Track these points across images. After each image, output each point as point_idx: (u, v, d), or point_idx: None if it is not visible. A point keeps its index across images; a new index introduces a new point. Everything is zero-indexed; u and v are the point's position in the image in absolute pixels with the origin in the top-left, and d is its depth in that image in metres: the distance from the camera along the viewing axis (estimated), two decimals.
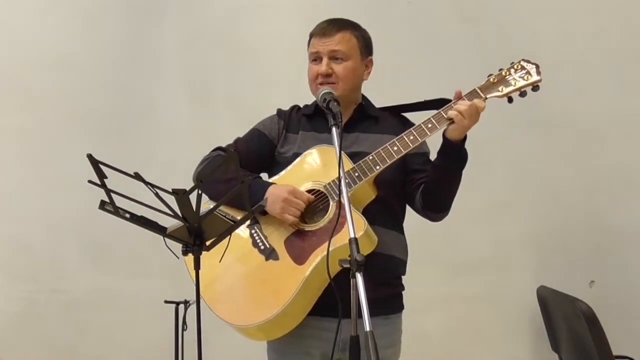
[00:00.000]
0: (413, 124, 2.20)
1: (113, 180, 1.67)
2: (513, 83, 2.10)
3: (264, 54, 3.42)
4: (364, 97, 2.30)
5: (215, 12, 3.48)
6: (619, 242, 3.36)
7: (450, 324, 3.38)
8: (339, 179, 1.87)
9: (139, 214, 1.76)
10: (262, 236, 2.09)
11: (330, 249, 1.89)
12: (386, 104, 2.30)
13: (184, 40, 3.47)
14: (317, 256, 2.00)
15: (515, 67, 2.13)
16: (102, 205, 1.71)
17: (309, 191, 2.10)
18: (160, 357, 3.00)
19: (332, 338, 2.09)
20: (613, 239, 3.37)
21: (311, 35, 2.24)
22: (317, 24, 2.24)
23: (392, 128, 2.21)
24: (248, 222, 2.07)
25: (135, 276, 3.37)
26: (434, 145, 2.13)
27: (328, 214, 2.06)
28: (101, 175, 1.67)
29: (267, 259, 2.06)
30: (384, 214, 2.14)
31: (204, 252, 1.82)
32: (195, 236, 1.80)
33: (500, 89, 2.10)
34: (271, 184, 2.13)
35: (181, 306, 2.89)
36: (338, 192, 2.03)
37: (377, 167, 2.06)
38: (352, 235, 1.74)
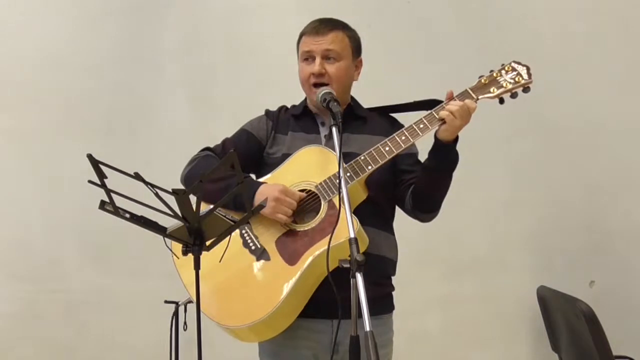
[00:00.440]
0: (401, 125, 2.20)
1: (113, 180, 1.67)
2: (504, 84, 2.11)
3: (264, 54, 3.42)
4: (352, 97, 2.29)
5: (215, 12, 3.48)
6: (619, 242, 3.36)
7: (450, 324, 3.38)
8: (339, 178, 1.87)
9: (139, 214, 1.75)
10: (252, 236, 2.08)
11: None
12: (386, 104, 2.30)
13: (184, 40, 3.48)
14: (309, 256, 1.99)
15: (506, 68, 2.13)
16: (102, 205, 1.71)
17: (300, 191, 2.09)
18: (159, 357, 3.00)
19: (323, 339, 2.10)
20: (613, 239, 3.37)
21: (302, 34, 2.22)
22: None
23: (381, 128, 2.21)
24: None
25: (135, 276, 3.37)
26: (425, 146, 2.13)
27: (319, 214, 2.05)
28: (101, 175, 1.66)
29: (258, 259, 2.05)
30: (374, 214, 2.13)
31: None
32: (195, 236, 1.79)
33: (491, 90, 2.10)
34: (262, 183, 2.11)
35: (181, 306, 2.90)
36: (336, 192, 2.03)
37: (369, 167, 2.06)
38: (352, 236, 1.74)
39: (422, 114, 2.09)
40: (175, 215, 1.74)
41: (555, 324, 3.06)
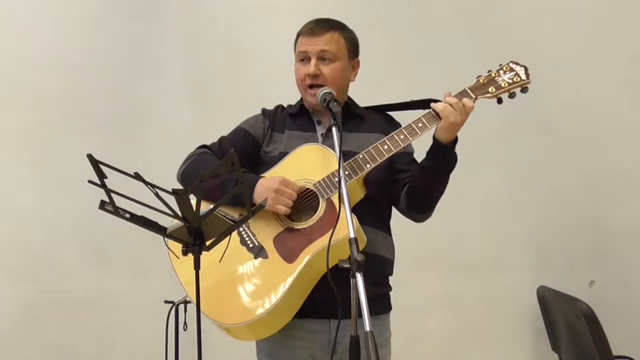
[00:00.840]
0: (398, 123, 2.20)
1: (113, 180, 1.67)
2: (502, 84, 2.11)
3: (264, 54, 3.42)
4: (348, 97, 2.28)
5: (215, 12, 3.48)
6: (619, 242, 3.36)
7: (450, 324, 3.38)
8: (339, 178, 1.87)
9: (139, 214, 1.75)
10: (250, 234, 2.08)
11: (326, 245, 1.88)
12: (386, 103, 2.30)
13: (184, 40, 3.48)
14: (306, 254, 1.99)
15: (504, 68, 2.13)
16: (102, 205, 1.71)
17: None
18: (159, 357, 3.00)
19: (320, 339, 2.10)
20: (613, 239, 3.37)
21: (299, 34, 2.22)
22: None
23: (378, 127, 2.21)
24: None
25: (135, 276, 3.37)
26: (423, 145, 2.13)
27: (318, 212, 2.05)
28: (101, 175, 1.66)
29: (255, 257, 2.05)
30: (371, 213, 2.13)
31: None
32: (195, 236, 1.79)
33: (489, 89, 2.11)
34: (260, 177, 2.10)
35: (180, 306, 2.91)
36: (334, 190, 2.03)
37: (368, 166, 2.06)
38: (352, 236, 1.74)
39: (420, 113, 2.09)
40: (175, 215, 1.74)
41: (555, 324, 3.06)
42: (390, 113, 2.30)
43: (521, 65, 2.13)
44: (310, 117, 2.25)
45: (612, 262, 3.36)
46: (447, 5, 3.45)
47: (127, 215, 1.73)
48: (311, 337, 2.10)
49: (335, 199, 2.00)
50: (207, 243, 1.82)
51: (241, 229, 2.09)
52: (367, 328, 1.60)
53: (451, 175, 2.10)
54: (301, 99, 2.28)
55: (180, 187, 2.13)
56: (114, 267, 3.40)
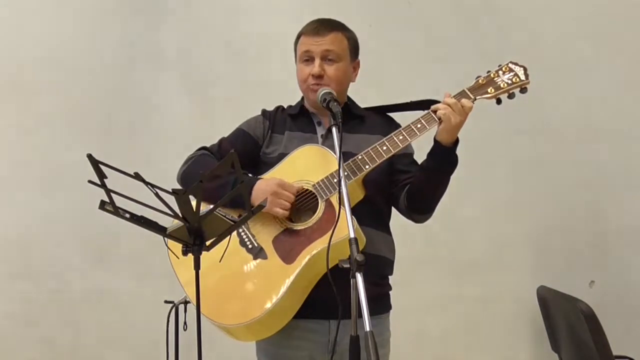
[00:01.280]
0: (398, 124, 2.20)
1: (113, 180, 1.67)
2: (501, 85, 2.11)
3: (264, 54, 3.42)
4: (348, 97, 2.28)
5: (215, 12, 3.48)
6: (619, 242, 3.37)
7: (450, 324, 3.38)
8: (338, 178, 1.87)
9: (139, 214, 1.75)
10: (249, 235, 2.08)
11: (326, 246, 1.88)
12: (385, 104, 2.30)
13: (184, 40, 3.48)
14: (306, 255, 1.99)
15: (503, 69, 2.13)
16: (102, 205, 1.71)
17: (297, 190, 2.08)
18: (159, 357, 3.00)
19: (319, 340, 2.10)
20: (613, 239, 3.37)
21: (300, 34, 2.21)
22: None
23: (378, 128, 2.21)
24: None
25: (135, 276, 3.37)
26: (428, 147, 2.13)
27: (317, 213, 2.05)
28: (101, 175, 1.66)
29: (255, 257, 2.05)
30: (371, 214, 2.13)
31: None
32: (195, 236, 1.79)
33: (488, 90, 2.10)
34: (258, 178, 2.10)
35: (180, 306, 2.91)
36: (333, 191, 2.02)
37: (367, 167, 2.05)
38: (352, 236, 1.74)
39: (419, 113, 2.09)
40: (175, 215, 1.74)
41: (555, 324, 3.06)
42: (390, 114, 2.30)
43: (520, 66, 2.13)
44: (310, 118, 2.25)
45: (612, 262, 3.36)
46: (447, 5, 3.45)
47: (127, 215, 1.73)
48: (311, 338, 2.10)
49: (334, 199, 2.00)
50: (207, 243, 1.82)
51: (241, 230, 2.09)
52: (367, 328, 1.60)
53: (451, 176, 2.10)
54: (301, 99, 2.28)
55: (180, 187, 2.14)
56: (114, 267, 3.40)
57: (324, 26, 2.17)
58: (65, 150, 3.38)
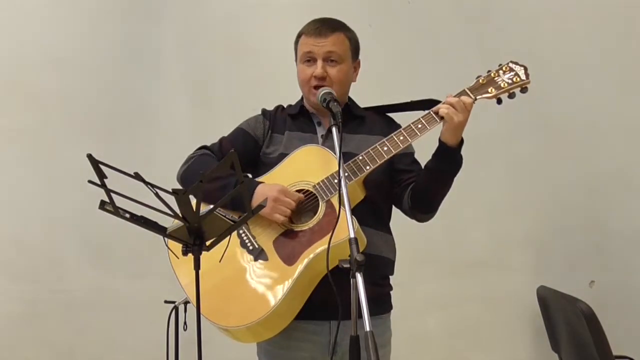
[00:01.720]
0: (399, 125, 2.19)
1: (113, 180, 1.67)
2: (502, 85, 2.10)
3: (264, 54, 3.42)
4: (349, 97, 2.28)
5: (215, 12, 3.48)
6: (619, 242, 3.36)
7: (450, 324, 3.38)
8: (339, 178, 1.87)
9: (139, 214, 1.75)
10: (250, 236, 2.08)
11: (326, 247, 1.87)
12: (385, 104, 2.30)
13: (184, 40, 3.47)
14: (307, 256, 1.99)
15: (503, 68, 2.13)
16: (102, 205, 1.71)
17: (297, 191, 2.08)
18: (159, 357, 2.99)
19: (319, 341, 2.10)
20: (613, 239, 3.37)
21: (301, 34, 2.21)
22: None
23: (378, 128, 2.20)
24: None
25: (135, 276, 3.37)
26: (429, 147, 2.13)
27: (317, 214, 2.04)
28: (101, 175, 1.66)
29: (256, 259, 2.05)
30: (372, 214, 2.13)
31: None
32: (195, 236, 1.79)
33: (489, 90, 2.10)
34: (259, 182, 2.10)
35: (181, 306, 2.91)
36: (334, 192, 2.02)
37: (367, 167, 2.05)
38: (352, 236, 1.74)
39: (419, 113, 2.09)
40: (175, 215, 1.74)
41: (555, 324, 3.05)
42: (391, 114, 2.30)
43: (521, 65, 2.13)
44: (310, 118, 2.25)
45: (612, 262, 3.36)
46: (447, 5, 3.44)
47: (127, 215, 1.73)
48: (311, 339, 2.10)
49: (334, 200, 2.00)
50: (207, 243, 1.82)
51: (241, 232, 2.09)
52: (367, 328, 1.60)
53: None
54: (301, 99, 2.28)
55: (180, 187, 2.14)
56: (114, 267, 3.40)
57: (326, 27, 2.17)
58: (65, 150, 3.38)
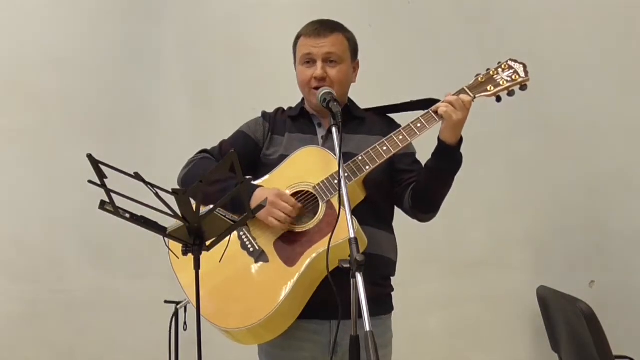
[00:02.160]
0: (399, 125, 2.19)
1: (113, 180, 1.67)
2: (501, 82, 2.10)
3: (264, 54, 3.42)
4: (348, 98, 2.28)
5: (215, 12, 3.48)
6: (619, 242, 3.36)
7: (450, 324, 3.38)
8: (339, 179, 1.87)
9: (139, 214, 1.75)
10: (251, 238, 2.08)
11: (326, 248, 1.87)
12: (385, 104, 2.30)
13: (184, 40, 3.48)
14: (307, 257, 1.99)
15: (502, 66, 2.12)
16: (102, 205, 1.71)
17: (297, 192, 2.08)
18: (159, 357, 3.00)
19: (320, 341, 2.10)
20: (613, 239, 3.37)
21: (300, 36, 2.21)
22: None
23: (378, 129, 2.20)
24: None
25: (135, 276, 3.37)
26: (429, 147, 2.13)
27: (318, 215, 2.04)
28: (101, 175, 1.66)
29: (256, 261, 2.04)
30: (373, 214, 2.13)
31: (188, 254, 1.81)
32: (195, 236, 1.79)
33: (488, 88, 2.09)
34: (258, 186, 2.10)
35: (180, 308, 2.91)
36: (334, 192, 2.02)
37: (367, 167, 2.05)
38: (352, 236, 1.74)
39: (419, 113, 2.09)
40: (175, 215, 1.74)
41: (555, 324, 3.05)
42: (391, 115, 2.30)
43: (520, 63, 2.12)
44: (310, 119, 2.25)
45: (612, 262, 3.36)
46: (447, 5, 3.44)
47: (127, 215, 1.73)
48: (312, 339, 2.10)
49: (335, 201, 2.00)
50: (207, 243, 1.82)
51: (242, 233, 2.09)
52: (367, 328, 1.60)
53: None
54: (302, 101, 2.28)
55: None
56: (114, 267, 3.40)
57: (324, 28, 2.17)
58: (65, 150, 3.38)
